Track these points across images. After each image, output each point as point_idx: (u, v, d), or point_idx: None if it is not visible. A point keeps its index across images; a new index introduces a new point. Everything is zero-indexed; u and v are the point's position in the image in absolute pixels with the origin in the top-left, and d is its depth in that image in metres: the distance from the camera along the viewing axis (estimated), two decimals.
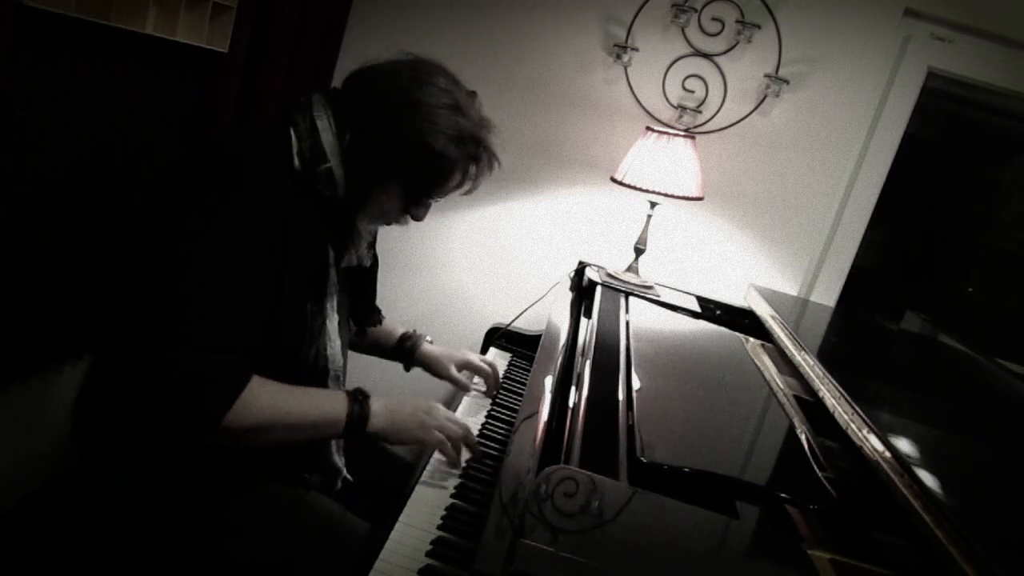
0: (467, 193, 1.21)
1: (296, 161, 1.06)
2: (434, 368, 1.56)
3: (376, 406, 1.13)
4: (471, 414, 1.49)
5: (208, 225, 0.97)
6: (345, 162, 1.10)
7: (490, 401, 1.55)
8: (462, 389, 1.58)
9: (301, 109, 1.10)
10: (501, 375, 1.68)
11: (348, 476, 1.25)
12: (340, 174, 1.09)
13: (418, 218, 1.22)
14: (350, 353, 1.31)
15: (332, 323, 1.16)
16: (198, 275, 0.96)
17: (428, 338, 1.59)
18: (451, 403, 1.57)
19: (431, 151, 1.10)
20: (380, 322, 1.39)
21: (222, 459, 1.08)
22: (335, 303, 1.16)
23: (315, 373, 1.15)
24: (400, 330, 1.57)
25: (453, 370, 1.56)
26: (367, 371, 1.81)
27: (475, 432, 1.40)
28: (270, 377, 1.02)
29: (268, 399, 1.02)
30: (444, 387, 2.00)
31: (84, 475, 1.09)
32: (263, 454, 1.12)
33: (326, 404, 1.10)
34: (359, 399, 1.12)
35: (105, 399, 1.04)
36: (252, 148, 1.05)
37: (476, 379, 1.60)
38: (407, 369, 1.59)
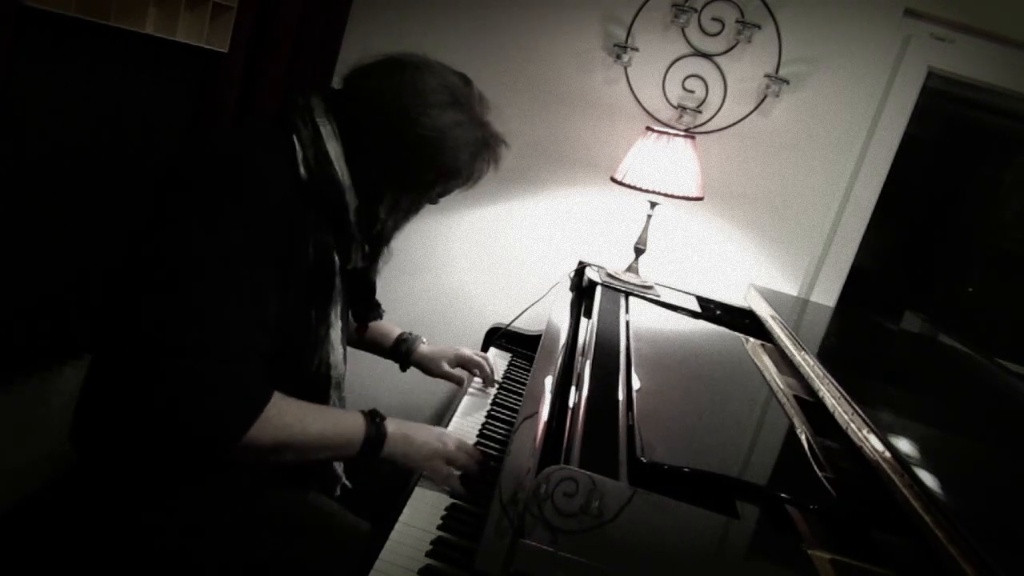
0: (474, 185, 1.21)
1: (302, 169, 1.04)
2: (428, 367, 1.61)
3: (392, 428, 1.12)
4: (471, 412, 1.50)
5: (214, 232, 0.95)
6: (353, 168, 1.08)
7: (489, 398, 1.57)
8: (456, 383, 1.63)
9: (301, 113, 1.08)
10: (501, 375, 1.70)
11: (347, 483, 1.25)
12: (348, 181, 1.08)
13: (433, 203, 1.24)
14: (348, 354, 1.31)
15: (335, 331, 1.15)
16: (207, 283, 0.93)
17: (424, 339, 1.63)
18: (451, 403, 1.58)
19: (446, 146, 1.10)
20: (381, 316, 1.39)
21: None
22: (339, 311, 1.15)
23: (317, 381, 1.14)
24: (397, 331, 1.61)
25: (446, 366, 1.61)
26: (364, 376, 1.82)
27: (475, 431, 1.41)
28: (271, 385, 1.01)
29: (290, 416, 1.00)
30: (441, 389, 2.02)
31: (84, 475, 1.09)
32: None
33: (344, 424, 1.09)
34: (376, 421, 1.11)
35: (111, 409, 1.02)
36: (253, 152, 1.03)
37: (476, 380, 1.64)
38: (403, 369, 1.63)
